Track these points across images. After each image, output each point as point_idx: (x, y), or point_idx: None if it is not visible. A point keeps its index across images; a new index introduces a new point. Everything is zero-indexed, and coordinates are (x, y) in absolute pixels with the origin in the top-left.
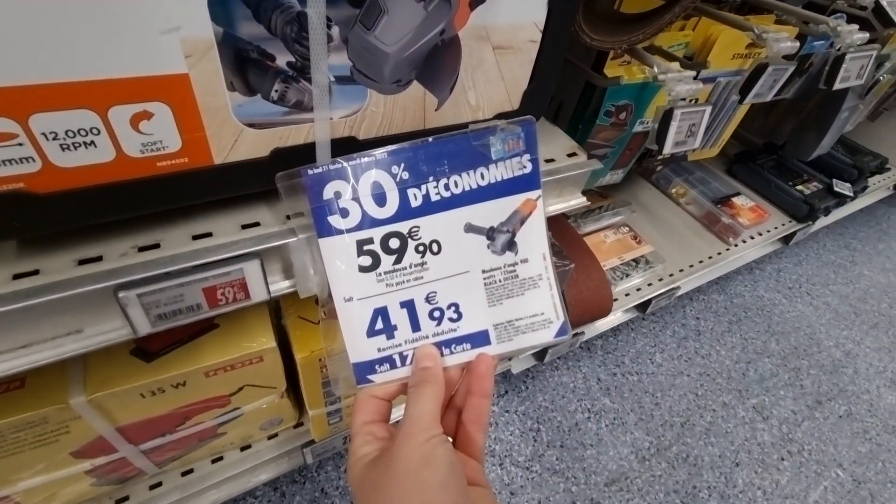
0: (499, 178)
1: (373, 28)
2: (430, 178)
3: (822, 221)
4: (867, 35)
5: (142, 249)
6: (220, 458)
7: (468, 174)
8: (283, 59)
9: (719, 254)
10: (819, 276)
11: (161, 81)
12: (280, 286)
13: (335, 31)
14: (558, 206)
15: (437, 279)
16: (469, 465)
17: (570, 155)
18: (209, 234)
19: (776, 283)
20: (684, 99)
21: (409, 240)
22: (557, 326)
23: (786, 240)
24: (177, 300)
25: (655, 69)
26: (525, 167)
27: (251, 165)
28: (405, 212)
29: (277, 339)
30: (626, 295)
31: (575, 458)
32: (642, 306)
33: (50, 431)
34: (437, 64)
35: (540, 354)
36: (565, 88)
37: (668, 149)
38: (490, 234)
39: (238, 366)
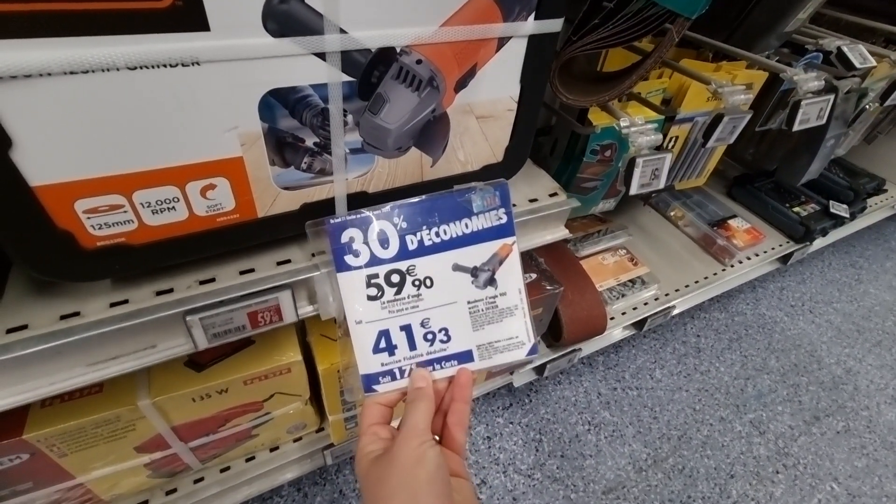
0: (480, 228)
1: (378, 113)
2: (424, 227)
3: (825, 241)
4: (822, 83)
5: (202, 283)
6: (253, 458)
7: (455, 224)
8: (310, 141)
9: (715, 274)
10: (823, 294)
11: (223, 163)
12: (306, 310)
13: (349, 117)
14: (544, 239)
15: (431, 308)
16: (452, 459)
17: (552, 195)
18: (252, 270)
19: (778, 300)
20: (663, 146)
21: (407, 276)
22: (529, 347)
23: (784, 260)
24: (227, 322)
25: (621, 123)
26: (501, 218)
27: (285, 217)
28: (404, 253)
29: (303, 353)
30: (623, 314)
31: (574, 468)
32: (639, 324)
33: (120, 428)
34: (430, 134)
35: (539, 369)
36: (560, 129)
37: (634, 190)
38: (474, 272)
39: (270, 376)
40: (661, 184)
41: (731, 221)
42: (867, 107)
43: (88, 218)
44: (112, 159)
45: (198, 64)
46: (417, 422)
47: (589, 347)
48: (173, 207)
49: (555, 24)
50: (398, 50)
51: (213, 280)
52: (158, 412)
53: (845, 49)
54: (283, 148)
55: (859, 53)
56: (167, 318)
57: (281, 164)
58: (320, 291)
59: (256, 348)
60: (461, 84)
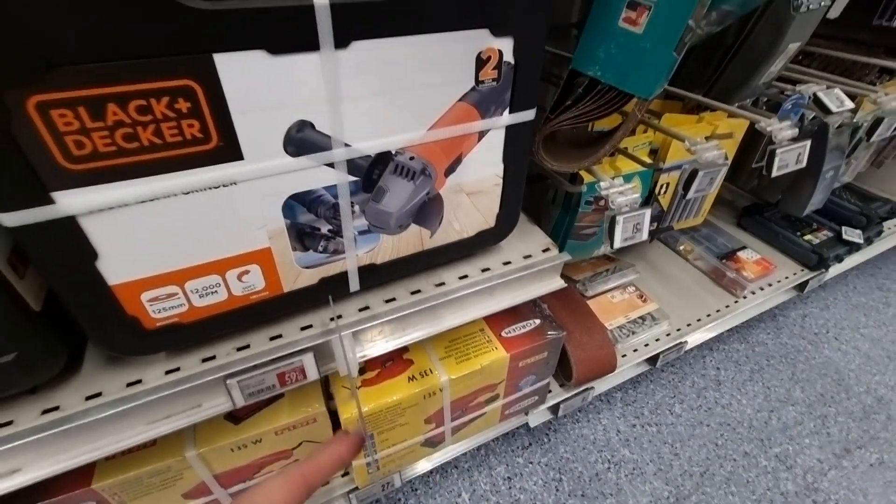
0: None
1: (380, 201)
2: None
3: (843, 266)
4: (796, 131)
5: (239, 349)
6: None
7: None
8: (325, 228)
9: (727, 307)
10: (848, 319)
11: (255, 253)
12: (328, 367)
13: (356, 207)
14: (540, 291)
15: None
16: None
17: (545, 250)
18: (280, 336)
19: (801, 328)
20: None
21: None
22: None
23: (800, 288)
24: (260, 383)
25: (601, 185)
26: None
27: (307, 290)
28: None
29: (326, 402)
30: (635, 350)
31: None
32: (652, 360)
33: (171, 477)
34: (427, 212)
35: (553, 409)
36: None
37: (617, 244)
38: None
39: (298, 426)
40: (644, 236)
41: (740, 253)
42: (862, 137)
43: (151, 305)
44: (169, 259)
45: (235, 184)
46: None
47: (604, 385)
48: (216, 291)
49: (528, 115)
50: (394, 151)
51: (247, 346)
52: (203, 462)
53: (821, 95)
54: (302, 236)
55: (836, 97)
56: (211, 381)
57: (301, 249)
58: (338, 351)
59: (285, 401)
60: (450, 170)
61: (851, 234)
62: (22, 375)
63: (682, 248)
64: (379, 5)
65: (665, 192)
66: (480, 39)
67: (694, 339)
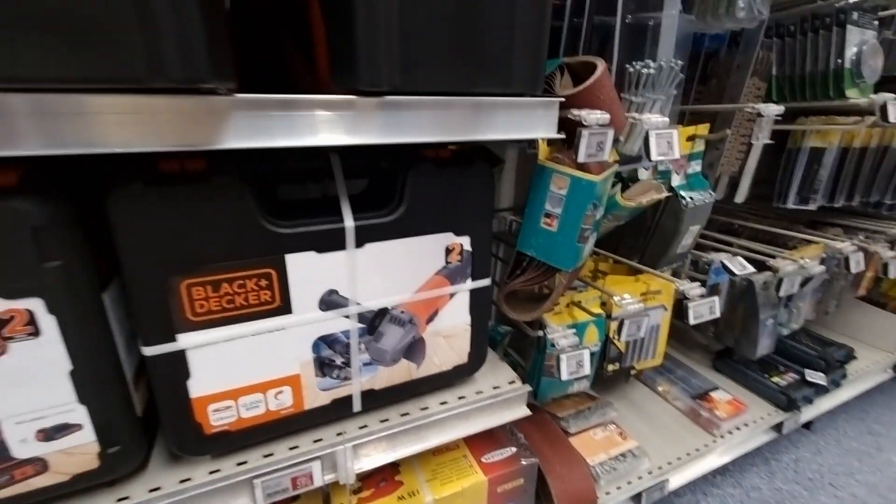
0: None
1: (379, 341)
2: None
3: (818, 408)
4: (705, 290)
5: (265, 456)
6: None
7: None
8: (339, 360)
9: (706, 446)
10: (842, 464)
11: (289, 378)
12: (330, 476)
13: (362, 346)
14: (509, 417)
15: None
16: None
17: (511, 382)
18: (297, 447)
19: (794, 473)
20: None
21: None
22: None
23: (777, 429)
24: (278, 485)
25: (546, 331)
26: None
27: (322, 408)
28: None
29: None
30: (618, 488)
31: None
32: (635, 498)
33: None
34: (413, 350)
35: None
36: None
37: (564, 377)
38: None
39: None
40: (586, 370)
41: (713, 393)
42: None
43: (213, 414)
44: (233, 380)
45: (284, 329)
46: None
47: None
48: (258, 405)
49: (485, 282)
50: (390, 307)
51: (272, 454)
52: None
53: (725, 261)
54: (322, 366)
55: (738, 263)
56: (241, 482)
57: (321, 375)
58: (340, 461)
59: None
60: (430, 320)
61: (814, 377)
62: (118, 466)
63: (660, 388)
64: (384, 224)
65: (618, 337)
66: (448, 238)
67: (677, 479)
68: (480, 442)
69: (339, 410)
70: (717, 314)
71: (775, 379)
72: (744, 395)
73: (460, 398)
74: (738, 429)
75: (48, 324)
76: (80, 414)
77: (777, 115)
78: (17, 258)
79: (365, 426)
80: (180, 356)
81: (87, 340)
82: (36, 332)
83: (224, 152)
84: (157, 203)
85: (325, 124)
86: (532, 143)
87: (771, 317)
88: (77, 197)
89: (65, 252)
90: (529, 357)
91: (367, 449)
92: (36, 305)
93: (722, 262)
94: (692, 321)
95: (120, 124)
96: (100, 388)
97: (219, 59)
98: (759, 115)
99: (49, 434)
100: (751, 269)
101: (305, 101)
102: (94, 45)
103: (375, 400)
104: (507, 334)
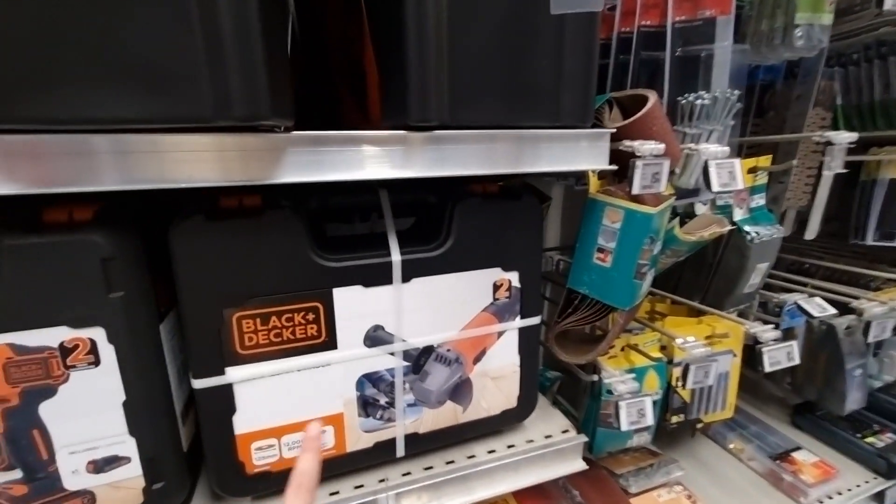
0: None
1: (424, 381)
2: None
3: None
4: (780, 333)
5: None
6: None
7: None
8: (383, 400)
9: None
10: None
11: (332, 416)
12: None
13: (407, 385)
14: (562, 470)
15: None
16: None
17: (564, 431)
18: (337, 492)
19: None
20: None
21: None
22: None
23: (877, 498)
24: None
25: (602, 375)
26: None
27: (364, 452)
28: None
29: None
30: None
31: None
32: None
33: None
34: (460, 391)
35: None
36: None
37: (624, 427)
38: None
39: None
40: (649, 421)
41: (795, 454)
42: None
43: (256, 453)
44: (278, 417)
45: (329, 365)
46: None
47: None
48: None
49: (535, 320)
50: (436, 345)
51: None
52: None
53: (802, 303)
54: (366, 405)
55: (816, 304)
56: None
57: (364, 415)
58: None
59: None
60: (477, 359)
61: None
62: (162, 502)
63: (732, 446)
64: (431, 259)
65: (682, 385)
66: (495, 273)
67: None
68: (531, 497)
69: (381, 454)
70: (797, 360)
71: (870, 439)
72: (832, 456)
73: (510, 447)
74: (829, 497)
75: (107, 353)
76: (129, 446)
77: (850, 143)
78: (85, 288)
79: (408, 473)
80: (228, 390)
81: (143, 371)
82: (96, 362)
83: (278, 188)
84: (217, 236)
85: (375, 158)
86: (581, 179)
87: (859, 366)
88: (141, 230)
89: (129, 283)
90: (582, 405)
91: (410, 499)
92: (98, 335)
93: (797, 303)
94: (767, 368)
95: (189, 161)
96: (150, 421)
97: (279, 99)
98: (830, 143)
99: (99, 466)
100: (832, 310)
101: (359, 136)
102: (168, 88)
103: (419, 445)
104: (557, 380)
